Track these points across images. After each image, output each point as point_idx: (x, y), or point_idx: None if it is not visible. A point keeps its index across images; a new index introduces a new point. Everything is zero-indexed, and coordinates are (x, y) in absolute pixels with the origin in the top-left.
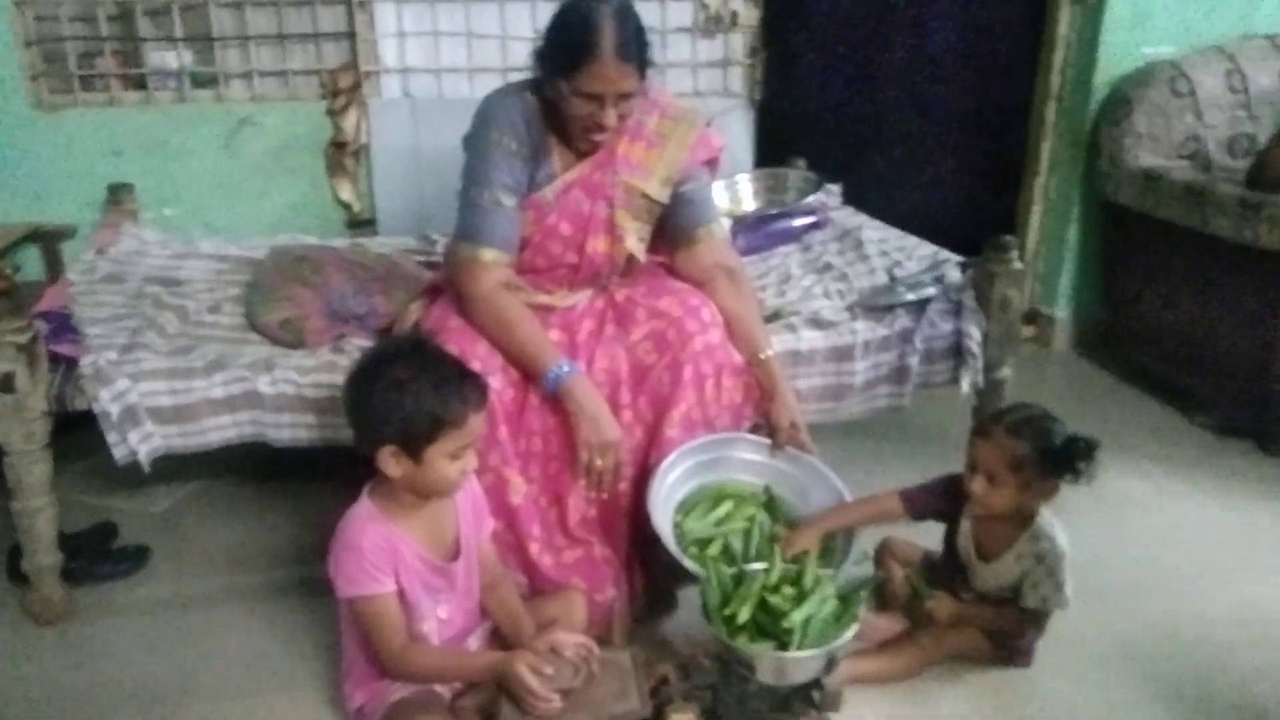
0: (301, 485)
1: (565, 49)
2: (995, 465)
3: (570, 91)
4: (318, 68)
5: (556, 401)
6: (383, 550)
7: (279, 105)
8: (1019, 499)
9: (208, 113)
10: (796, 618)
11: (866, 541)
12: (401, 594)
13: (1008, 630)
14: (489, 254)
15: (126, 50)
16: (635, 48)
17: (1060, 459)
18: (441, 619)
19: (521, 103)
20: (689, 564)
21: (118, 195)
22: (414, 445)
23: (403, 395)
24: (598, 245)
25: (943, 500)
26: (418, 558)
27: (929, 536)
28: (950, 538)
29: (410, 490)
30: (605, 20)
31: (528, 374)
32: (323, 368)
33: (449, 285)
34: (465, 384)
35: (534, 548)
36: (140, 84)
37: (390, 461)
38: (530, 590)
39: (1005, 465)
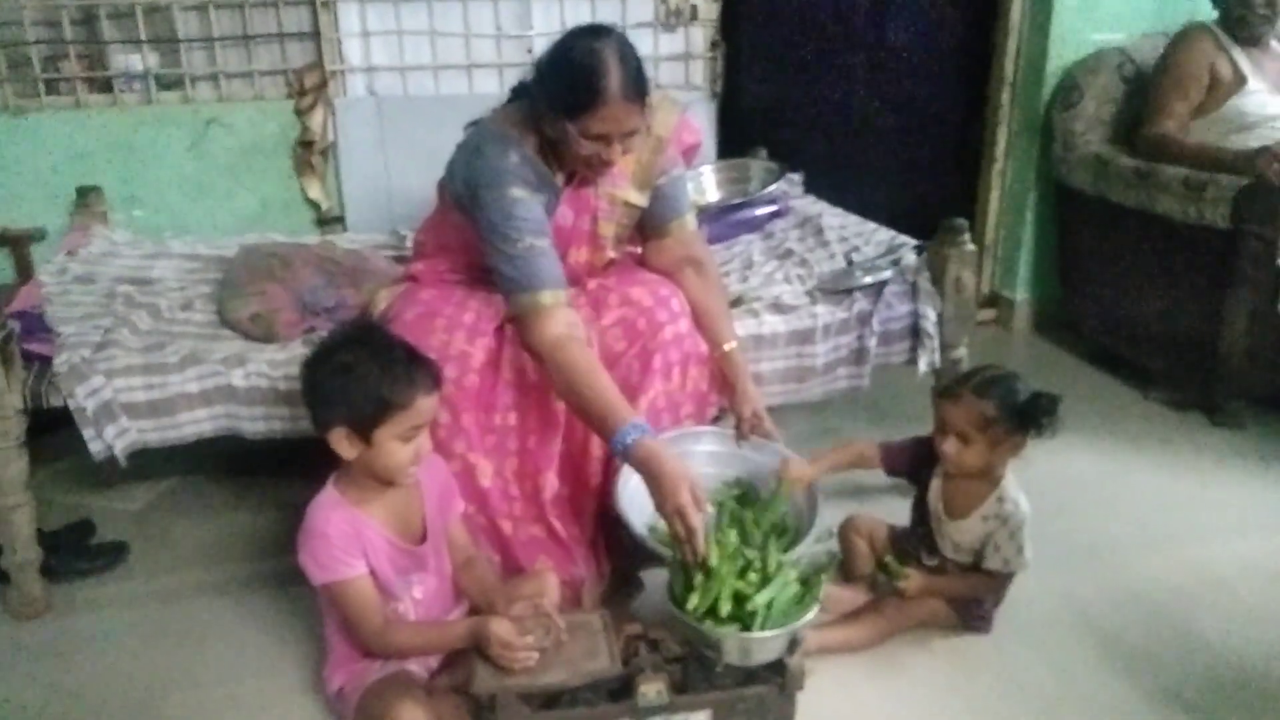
0: (275, 478)
1: (571, 93)
2: (965, 425)
3: (577, 133)
4: (283, 68)
5: (546, 395)
6: (348, 535)
7: (245, 105)
8: (990, 456)
9: (174, 114)
10: (760, 600)
11: (831, 518)
12: (374, 576)
13: (972, 597)
14: (547, 296)
15: (91, 53)
16: (638, 85)
17: (1026, 415)
18: (416, 599)
19: (520, 154)
20: (655, 546)
21: (86, 198)
22: (363, 427)
23: (350, 378)
24: (580, 256)
25: (915, 459)
26: (384, 540)
27: (894, 514)
28: (920, 498)
29: (367, 474)
30: (610, 62)
31: (597, 432)
32: (294, 361)
33: (523, 345)
34: (413, 367)
35: (506, 526)
36: (106, 87)
37: (343, 443)
38: (504, 568)
39: (974, 425)
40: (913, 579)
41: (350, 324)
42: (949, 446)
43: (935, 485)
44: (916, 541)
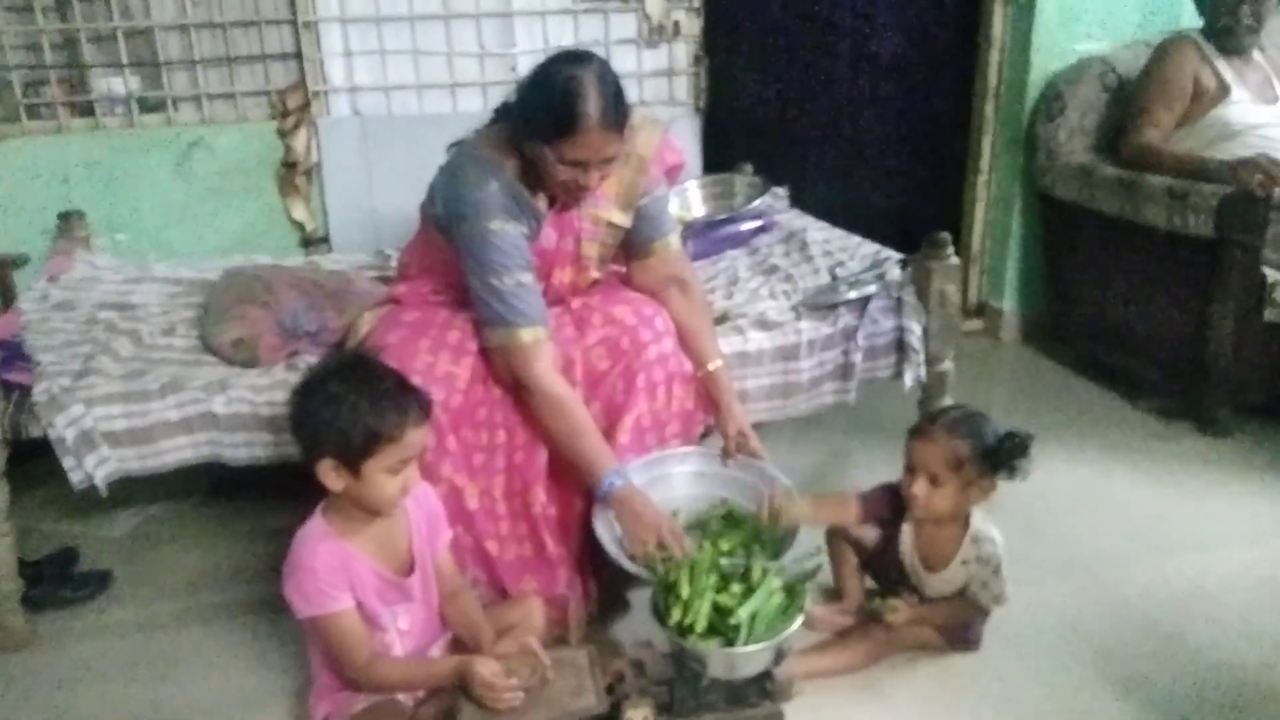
0: (260, 504)
1: (550, 118)
2: (937, 465)
3: (555, 158)
4: (266, 88)
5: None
6: (335, 568)
7: (229, 127)
8: (960, 498)
9: (157, 137)
10: (743, 613)
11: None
12: (360, 608)
13: (961, 622)
14: (527, 334)
15: (72, 77)
16: (618, 112)
17: (998, 455)
18: (402, 630)
19: (500, 183)
20: (631, 568)
21: (69, 223)
22: (352, 459)
23: (339, 409)
24: (564, 276)
25: (886, 504)
26: (371, 572)
27: None
28: (890, 550)
29: (354, 505)
30: (590, 89)
31: (580, 475)
32: (277, 386)
33: (505, 372)
34: (403, 398)
35: (493, 546)
36: (88, 111)
37: (330, 475)
38: (490, 589)
39: (946, 464)
40: (899, 611)
41: (340, 353)
42: (918, 489)
43: (907, 536)
44: (896, 583)
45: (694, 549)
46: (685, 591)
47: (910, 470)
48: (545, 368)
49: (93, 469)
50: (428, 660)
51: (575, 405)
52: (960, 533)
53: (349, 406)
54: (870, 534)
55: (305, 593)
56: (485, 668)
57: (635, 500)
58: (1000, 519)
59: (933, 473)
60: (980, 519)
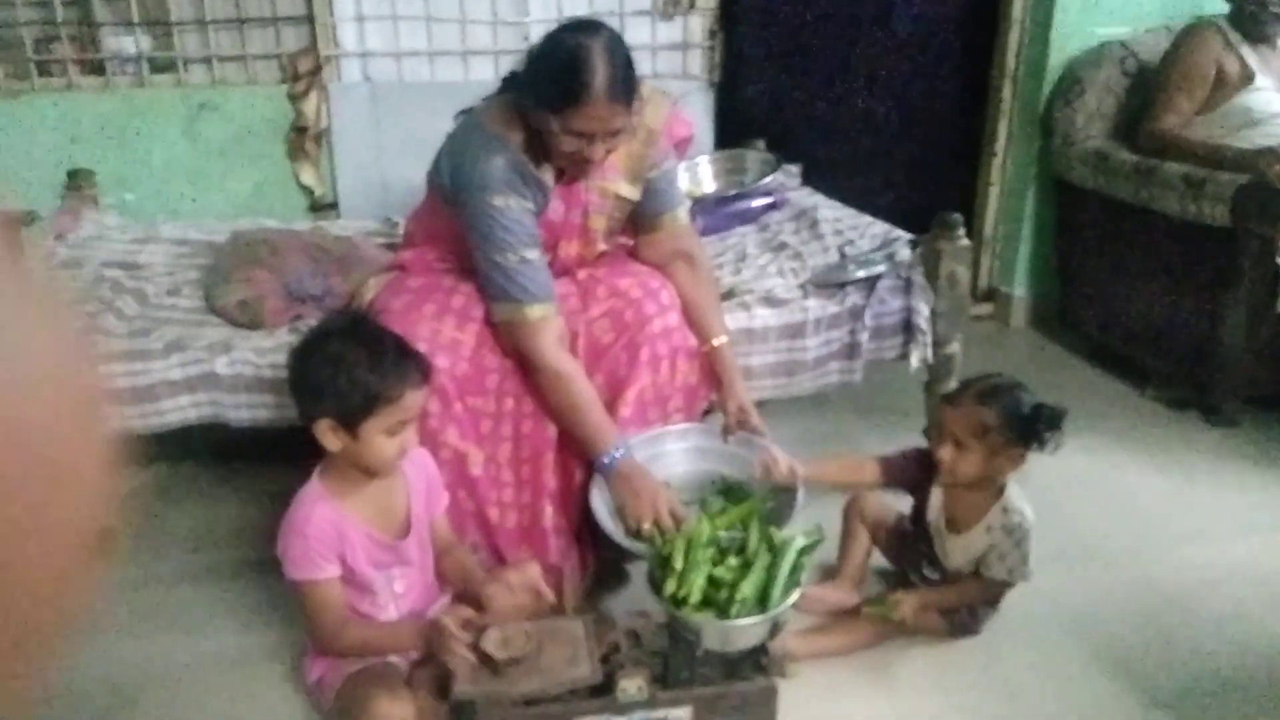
0: (260, 467)
1: (555, 86)
2: (962, 431)
3: (560, 128)
4: (277, 52)
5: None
6: (328, 535)
7: (239, 90)
8: (986, 466)
9: (167, 98)
10: (747, 589)
11: (833, 504)
12: (352, 572)
13: (972, 604)
14: (535, 311)
15: (83, 35)
16: (626, 85)
17: (1026, 426)
18: (398, 593)
19: (505, 158)
20: (625, 543)
21: (77, 181)
22: (350, 420)
23: (338, 370)
24: (570, 249)
25: (915, 470)
26: (365, 536)
27: (898, 501)
28: (919, 511)
29: (352, 465)
30: (598, 59)
31: (582, 449)
32: (280, 349)
33: (510, 346)
34: (402, 360)
35: (493, 513)
36: (98, 69)
37: (328, 435)
38: (489, 555)
39: (972, 432)
40: (905, 603)
41: (340, 314)
42: (945, 453)
43: (935, 499)
44: (918, 556)
45: (692, 524)
46: (680, 564)
47: (939, 435)
48: (550, 343)
49: None
50: (393, 624)
51: (578, 380)
52: (991, 500)
53: (348, 367)
54: (891, 514)
55: (292, 555)
56: (447, 620)
57: (635, 477)
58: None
59: (958, 438)
60: (1015, 492)
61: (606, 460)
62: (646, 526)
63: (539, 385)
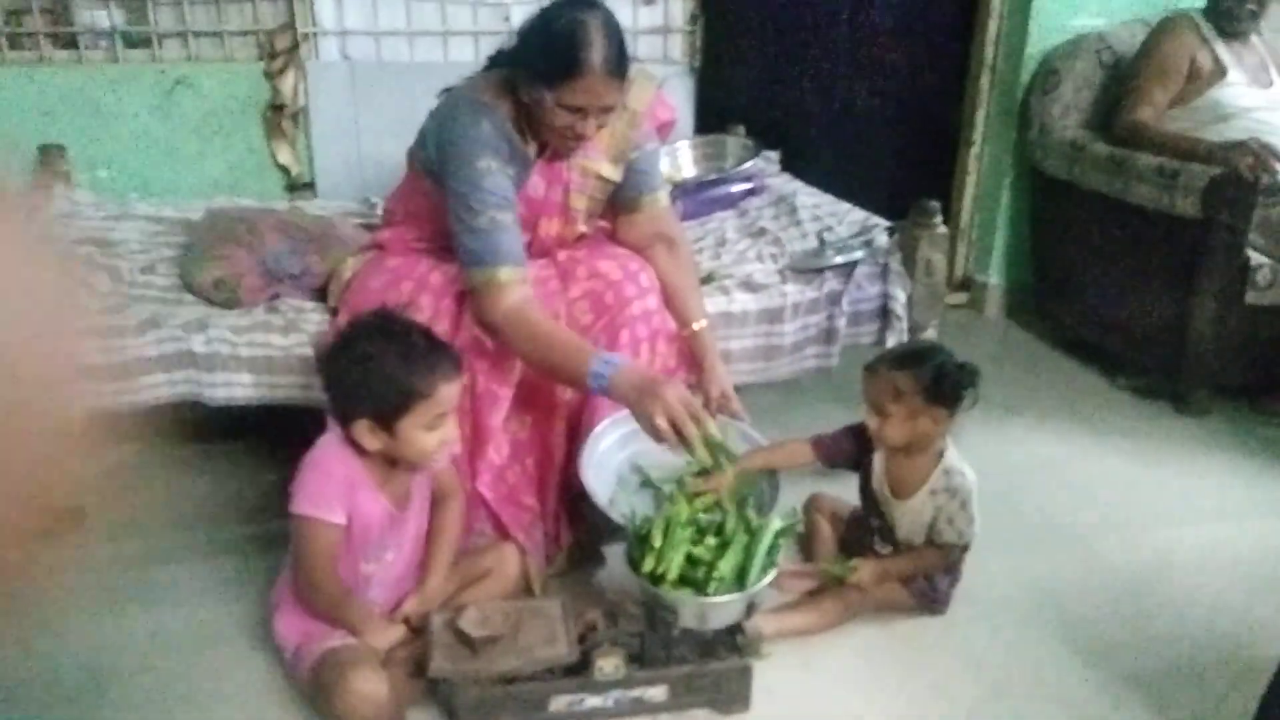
0: (236, 448)
1: (551, 61)
2: (880, 397)
3: (553, 102)
4: (255, 28)
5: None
6: (345, 485)
7: (215, 66)
8: (910, 428)
9: (141, 73)
10: (724, 567)
11: (795, 496)
12: (350, 535)
13: (927, 574)
14: (504, 273)
15: (55, 8)
16: (620, 61)
17: (935, 386)
18: (388, 562)
19: (493, 123)
20: (617, 517)
21: (49, 157)
22: (387, 419)
23: (370, 371)
24: (550, 228)
25: (852, 444)
26: (376, 502)
27: (855, 494)
28: (865, 483)
29: (391, 461)
30: (595, 34)
31: (570, 383)
32: (257, 327)
33: (478, 315)
34: (433, 354)
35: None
36: (71, 43)
37: (367, 436)
38: (467, 523)
39: (888, 397)
40: (864, 568)
41: (369, 313)
42: (871, 421)
43: (878, 468)
44: (870, 532)
45: (713, 429)
46: (659, 541)
47: (867, 406)
48: (519, 299)
49: None
50: (360, 604)
51: (546, 321)
52: (932, 464)
53: (379, 366)
54: (843, 509)
55: (309, 490)
56: (379, 640)
57: (642, 380)
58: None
59: (877, 404)
60: (954, 455)
61: (598, 375)
62: (690, 429)
63: (509, 344)
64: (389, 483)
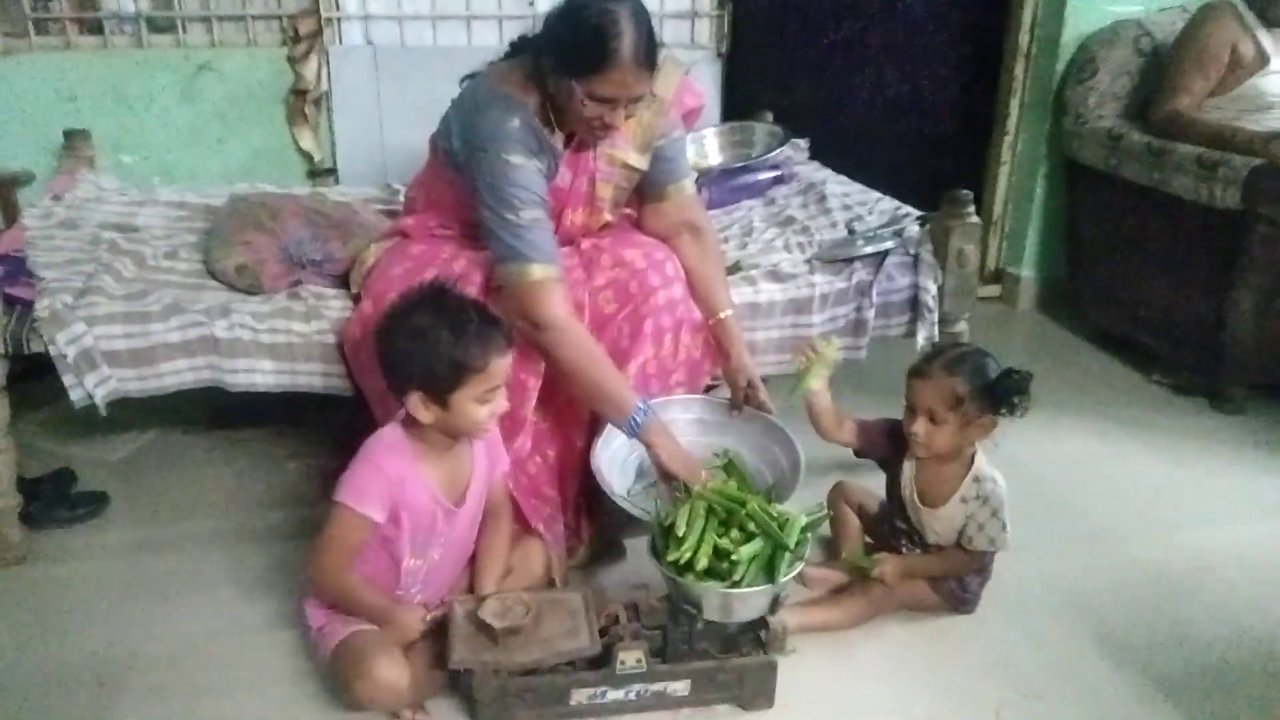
0: (256, 434)
1: (581, 52)
2: (935, 404)
3: (583, 94)
4: (278, 13)
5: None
6: (392, 481)
7: (238, 51)
8: (960, 436)
9: (166, 58)
10: (745, 553)
11: (820, 486)
12: (398, 528)
13: (954, 576)
14: (537, 270)
15: None
16: (649, 52)
17: (997, 392)
18: (434, 559)
19: (521, 119)
20: (632, 508)
21: (74, 142)
22: (440, 392)
23: (424, 343)
24: (575, 217)
25: (885, 442)
26: (430, 498)
27: (882, 485)
28: (893, 487)
29: (444, 433)
30: (624, 25)
31: (602, 412)
32: (279, 313)
33: (513, 314)
34: (486, 329)
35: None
36: (96, 28)
37: (419, 407)
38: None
39: (944, 403)
40: (888, 564)
41: (423, 286)
42: (919, 427)
43: (907, 473)
44: (898, 535)
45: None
46: (683, 531)
47: (911, 409)
48: (557, 302)
49: (93, 387)
50: (370, 593)
51: (590, 339)
52: (962, 471)
53: (433, 340)
54: (871, 501)
55: (355, 482)
56: (411, 618)
57: (666, 434)
58: (1006, 485)
59: (932, 411)
60: (984, 460)
61: (634, 419)
62: (697, 486)
63: (549, 346)
64: (445, 478)
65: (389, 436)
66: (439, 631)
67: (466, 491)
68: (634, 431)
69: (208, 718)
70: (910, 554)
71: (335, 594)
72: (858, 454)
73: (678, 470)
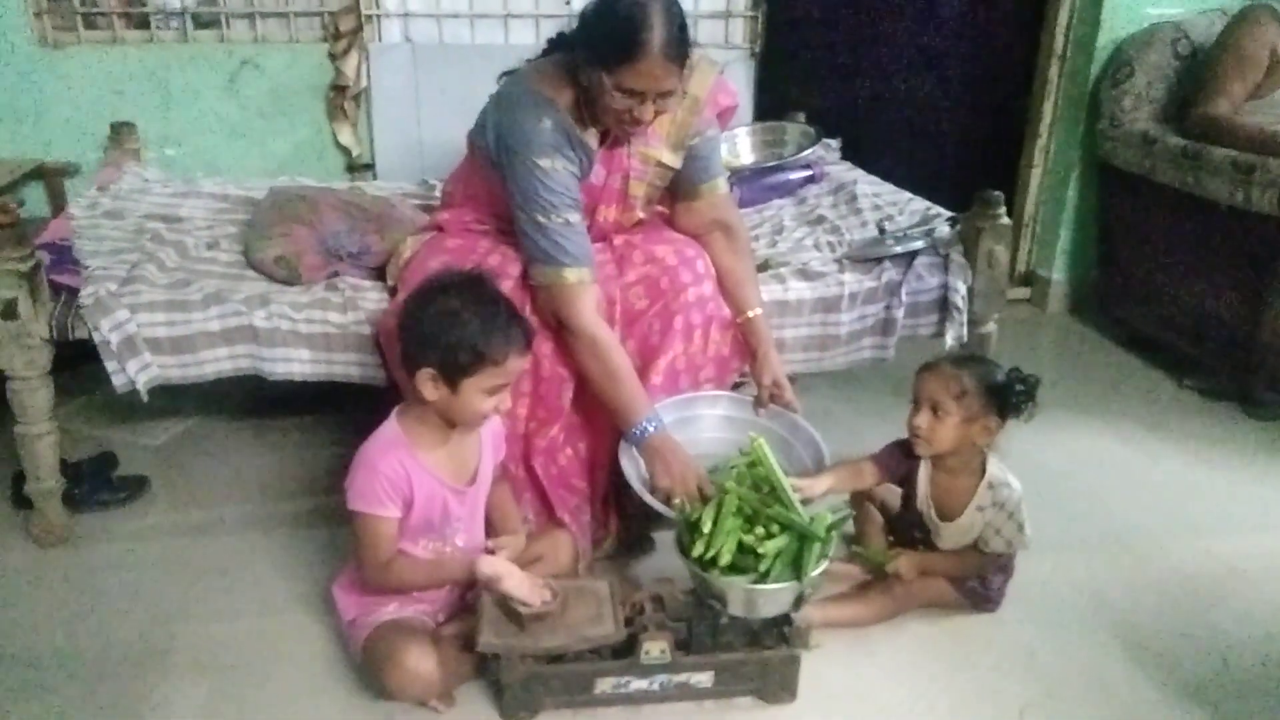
0: (294, 422)
1: (611, 43)
2: (939, 393)
3: (612, 86)
4: (319, 10)
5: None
6: (397, 477)
7: (280, 47)
8: (961, 433)
9: (210, 53)
10: (769, 548)
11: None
12: (415, 518)
13: (973, 574)
14: (572, 274)
15: None
16: (680, 46)
17: (1002, 390)
18: (459, 546)
19: (552, 120)
20: (655, 504)
21: (120, 134)
22: (453, 374)
23: (451, 325)
24: (609, 215)
25: (901, 458)
26: (437, 484)
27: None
28: (908, 501)
29: (442, 416)
30: (655, 17)
31: (614, 419)
32: (316, 304)
33: (546, 312)
34: (512, 325)
35: (510, 466)
36: (143, 23)
37: (428, 385)
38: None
39: (950, 395)
40: (904, 560)
41: (461, 271)
42: (921, 419)
43: (923, 486)
44: (915, 543)
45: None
46: (709, 527)
47: (916, 403)
48: (587, 307)
49: (135, 374)
50: (440, 560)
51: (614, 350)
52: (975, 482)
53: (461, 323)
54: (894, 497)
55: (359, 487)
56: (489, 566)
57: (666, 450)
58: (1033, 488)
59: (936, 402)
60: (997, 466)
61: (638, 432)
62: (677, 501)
63: (574, 350)
64: (450, 462)
65: (383, 433)
66: (468, 617)
67: (477, 471)
68: (637, 444)
69: (245, 697)
70: (926, 553)
71: (400, 586)
72: (884, 482)
73: (665, 485)
